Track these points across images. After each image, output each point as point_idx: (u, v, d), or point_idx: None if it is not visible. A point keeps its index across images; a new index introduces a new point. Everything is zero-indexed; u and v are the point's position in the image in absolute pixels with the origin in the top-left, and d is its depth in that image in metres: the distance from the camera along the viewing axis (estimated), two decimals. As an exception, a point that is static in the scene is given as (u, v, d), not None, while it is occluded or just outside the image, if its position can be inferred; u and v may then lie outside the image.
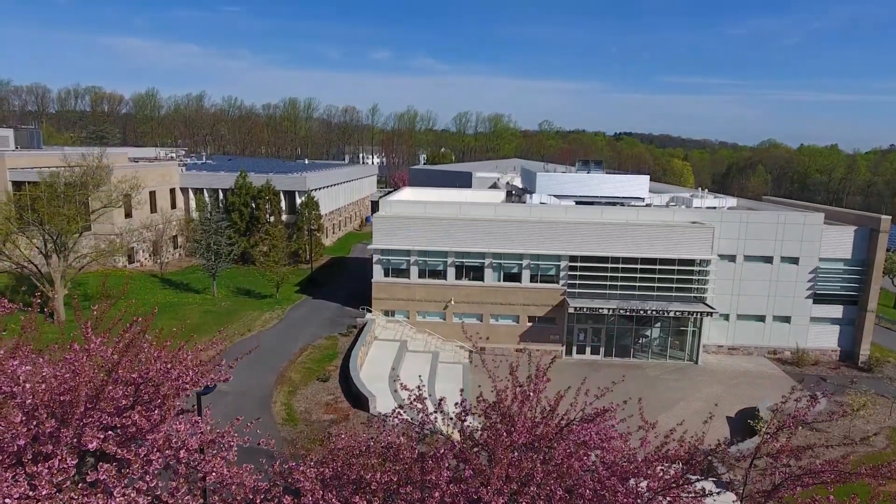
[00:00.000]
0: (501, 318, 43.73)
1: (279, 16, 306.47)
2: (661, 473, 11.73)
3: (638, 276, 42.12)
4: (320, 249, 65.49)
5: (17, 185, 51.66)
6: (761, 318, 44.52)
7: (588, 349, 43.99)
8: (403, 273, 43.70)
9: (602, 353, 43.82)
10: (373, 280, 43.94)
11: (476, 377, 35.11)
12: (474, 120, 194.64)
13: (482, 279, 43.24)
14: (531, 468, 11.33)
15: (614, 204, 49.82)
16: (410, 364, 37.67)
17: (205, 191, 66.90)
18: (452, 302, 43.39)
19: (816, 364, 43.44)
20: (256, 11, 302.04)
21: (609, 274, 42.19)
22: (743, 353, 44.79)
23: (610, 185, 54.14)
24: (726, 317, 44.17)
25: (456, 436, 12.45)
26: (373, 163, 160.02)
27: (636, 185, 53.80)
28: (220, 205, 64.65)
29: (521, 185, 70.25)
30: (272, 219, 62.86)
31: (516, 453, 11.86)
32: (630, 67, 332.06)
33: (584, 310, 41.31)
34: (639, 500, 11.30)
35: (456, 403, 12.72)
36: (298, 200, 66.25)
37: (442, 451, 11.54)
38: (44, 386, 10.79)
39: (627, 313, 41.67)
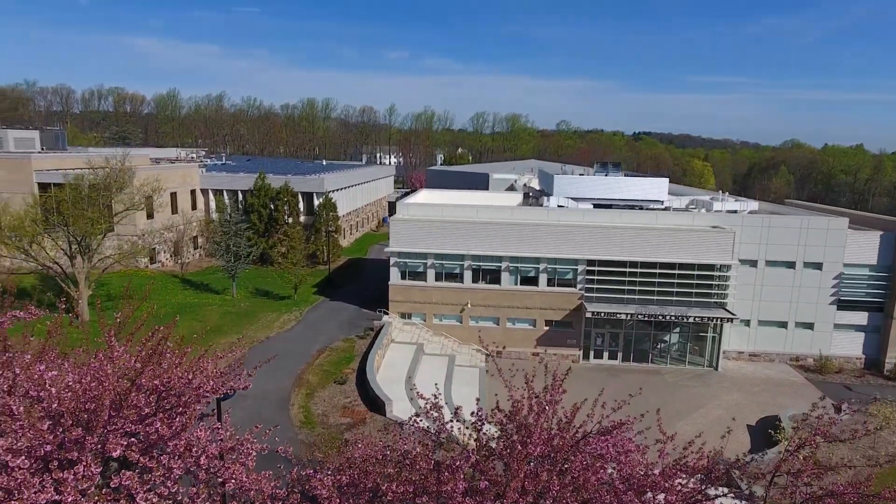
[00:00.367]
0: (518, 321, 43.62)
1: (296, 16, 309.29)
2: (680, 487, 11.62)
3: (657, 280, 41.71)
4: (338, 250, 65.92)
5: (43, 186, 52.79)
6: (783, 325, 43.79)
7: (606, 354, 43.69)
8: (420, 276, 43.81)
9: (620, 357, 43.48)
10: (390, 283, 44.12)
11: (492, 382, 35.06)
12: (491, 120, 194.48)
13: (499, 283, 43.17)
14: (547, 481, 11.31)
15: (633, 207, 49.37)
16: (427, 367, 37.78)
17: (224, 192, 67.74)
18: (469, 305, 43.39)
19: (840, 372, 42.61)
20: (273, 12, 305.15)
21: (627, 278, 41.85)
22: (764, 360, 44.10)
23: (628, 188, 53.57)
24: (747, 322, 43.53)
25: (472, 444, 12.48)
26: (390, 163, 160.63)
27: (655, 187, 53.17)
28: (240, 206, 65.45)
29: (538, 187, 69.89)
30: (290, 220, 63.45)
31: (532, 464, 11.84)
32: (649, 66, 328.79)
33: (602, 314, 41.02)
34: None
35: (472, 413, 12.75)
36: (316, 202, 66.75)
37: (458, 462, 11.56)
38: (70, 394, 11.03)
39: (646, 318, 41.29)
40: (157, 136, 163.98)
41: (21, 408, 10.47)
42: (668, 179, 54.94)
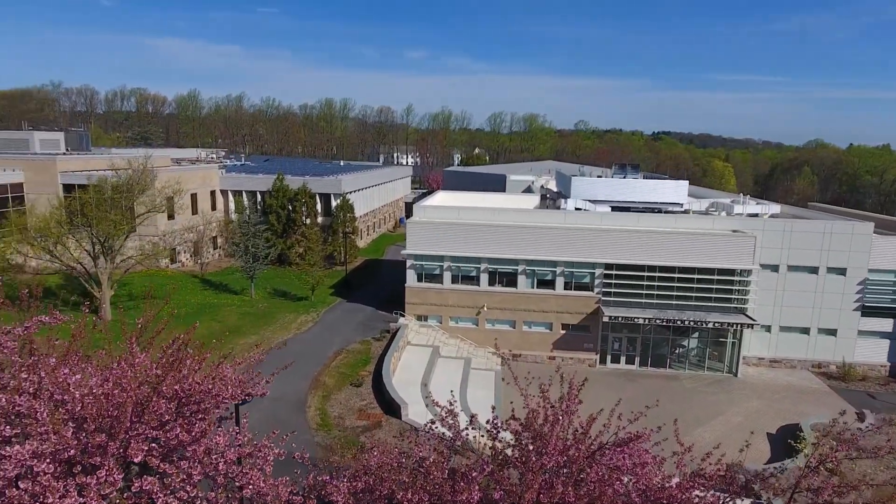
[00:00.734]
0: (534, 325, 43.48)
1: (315, 17, 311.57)
2: (697, 500, 11.51)
3: (675, 285, 41.27)
4: (354, 251, 66.30)
5: (68, 187, 53.89)
6: (805, 331, 43.04)
7: (623, 358, 43.34)
8: (436, 278, 43.89)
9: (637, 362, 43.11)
10: (406, 285, 44.26)
11: (508, 387, 34.99)
12: (509, 120, 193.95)
13: (515, 286, 43.07)
14: (563, 492, 11.27)
15: (652, 210, 48.91)
16: (442, 370, 37.85)
17: (243, 193, 68.51)
18: (485, 308, 43.36)
19: (864, 379, 41.76)
20: (293, 12, 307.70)
21: (645, 283, 41.47)
22: (785, 366, 43.40)
23: (647, 191, 53.05)
24: (768, 328, 42.87)
25: (487, 451, 12.50)
26: (407, 163, 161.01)
27: (674, 190, 52.58)
28: (258, 207, 66.16)
29: (555, 189, 69.59)
30: (308, 221, 63.98)
31: (547, 475, 11.82)
32: (670, 64, 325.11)
33: (620, 319, 40.70)
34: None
35: (487, 421, 12.76)
36: (334, 203, 67.22)
37: (473, 473, 11.58)
38: (92, 399, 11.26)
39: (664, 323, 40.87)
40: (178, 136, 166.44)
41: (46, 412, 10.72)
42: (687, 182, 54.35)
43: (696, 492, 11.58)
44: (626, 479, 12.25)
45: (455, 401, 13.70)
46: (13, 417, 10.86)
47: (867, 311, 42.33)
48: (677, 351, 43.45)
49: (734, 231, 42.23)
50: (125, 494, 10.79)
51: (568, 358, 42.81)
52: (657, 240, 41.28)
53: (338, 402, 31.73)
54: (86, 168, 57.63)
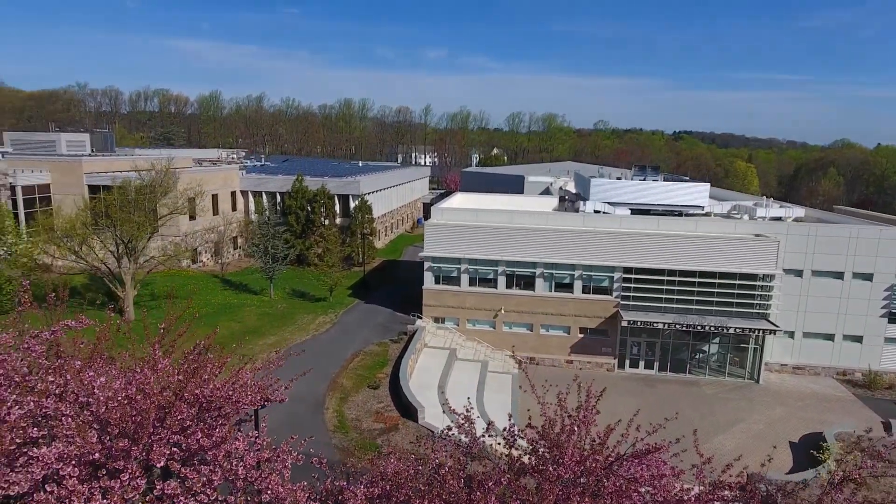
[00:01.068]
0: (552, 328, 43.25)
1: (336, 17, 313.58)
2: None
3: (696, 289, 40.73)
4: (372, 252, 66.60)
5: (93, 188, 54.97)
6: (830, 337, 42.20)
7: (642, 363, 42.91)
8: (454, 281, 43.91)
9: (656, 367, 42.65)
10: (423, 287, 44.34)
11: (525, 393, 34.89)
12: (527, 119, 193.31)
13: (533, 289, 42.89)
14: (579, 504, 11.21)
15: (672, 213, 48.31)
16: (459, 373, 37.86)
17: (263, 193, 69.28)
18: (502, 311, 43.26)
19: (891, 388, 40.79)
20: (314, 13, 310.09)
21: (665, 287, 41.00)
22: (809, 373, 42.59)
23: (667, 193, 52.34)
24: (791, 334, 42.12)
25: (504, 459, 12.49)
26: (425, 163, 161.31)
27: (695, 192, 51.82)
28: (278, 207, 66.80)
29: (574, 191, 69.11)
30: (326, 222, 64.45)
31: (564, 486, 11.75)
32: (691, 62, 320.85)
33: (639, 323, 40.31)
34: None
35: (504, 428, 12.75)
36: (352, 204, 67.59)
37: (490, 484, 11.57)
38: (116, 404, 11.48)
39: (684, 328, 40.37)
40: (200, 136, 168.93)
41: (71, 415, 10.94)
42: (709, 184, 53.57)
43: (716, 504, 11.42)
44: (643, 491, 12.14)
45: (472, 407, 13.71)
46: (41, 419, 11.13)
47: (894, 318, 41.36)
48: (697, 356, 42.89)
49: (757, 235, 41.53)
50: (147, 497, 10.99)
51: (586, 362, 42.52)
52: (677, 243, 40.79)
53: (355, 404, 31.91)
54: (110, 169, 58.73)
